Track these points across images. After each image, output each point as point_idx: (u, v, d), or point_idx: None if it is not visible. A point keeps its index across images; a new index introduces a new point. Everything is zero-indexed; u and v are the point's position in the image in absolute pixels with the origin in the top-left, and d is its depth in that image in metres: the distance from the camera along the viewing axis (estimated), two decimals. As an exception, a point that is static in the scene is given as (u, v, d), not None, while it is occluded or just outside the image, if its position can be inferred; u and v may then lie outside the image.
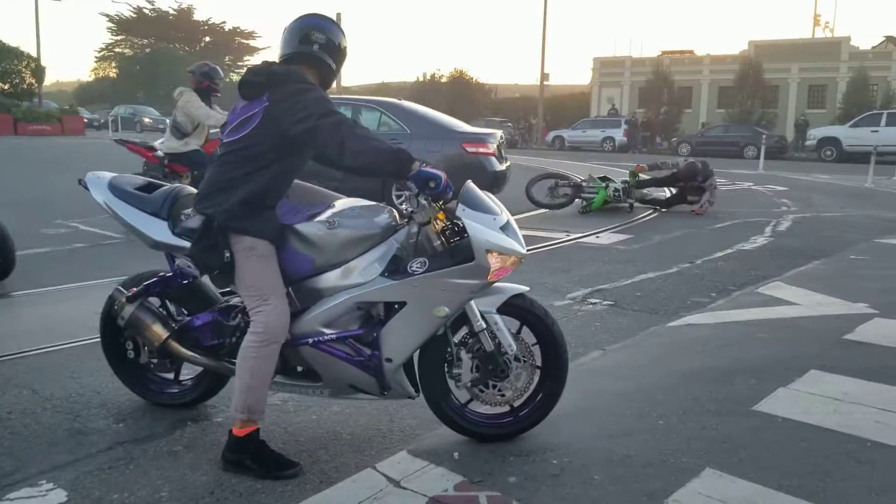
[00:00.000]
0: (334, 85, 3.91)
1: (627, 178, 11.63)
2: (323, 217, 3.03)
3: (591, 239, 8.83)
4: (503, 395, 3.14)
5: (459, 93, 41.96)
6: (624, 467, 2.98)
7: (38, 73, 40.77)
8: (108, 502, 2.69)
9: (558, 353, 3.17)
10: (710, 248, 8.28)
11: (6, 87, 38.35)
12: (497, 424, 3.22)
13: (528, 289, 3.19)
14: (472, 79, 49.19)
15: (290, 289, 3.02)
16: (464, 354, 3.09)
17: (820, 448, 3.16)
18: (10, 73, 38.73)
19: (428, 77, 51.13)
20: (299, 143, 2.89)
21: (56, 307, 5.38)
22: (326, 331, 2.99)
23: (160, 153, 8.66)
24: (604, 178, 11.50)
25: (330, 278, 3.00)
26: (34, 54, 40.55)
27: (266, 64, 3.03)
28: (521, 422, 3.21)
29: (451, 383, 3.15)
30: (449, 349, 3.09)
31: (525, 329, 3.19)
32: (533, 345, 3.18)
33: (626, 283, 6.41)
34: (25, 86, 39.56)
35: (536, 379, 3.20)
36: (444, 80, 49.57)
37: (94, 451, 3.09)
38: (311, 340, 2.99)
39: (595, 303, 5.69)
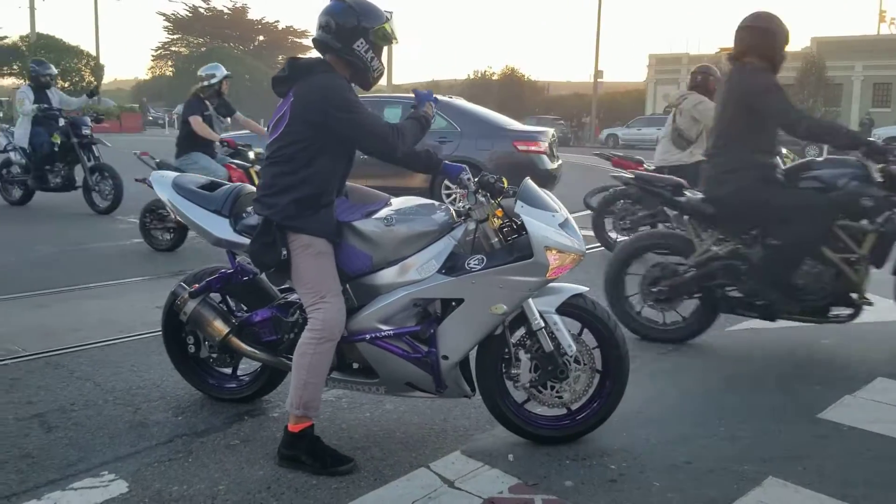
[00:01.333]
0: (384, 82, 3.92)
1: None
2: (381, 214, 3.05)
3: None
4: (561, 397, 3.10)
5: (511, 90, 41.81)
6: (684, 474, 2.91)
7: (98, 71, 41.94)
8: (168, 494, 2.73)
9: (619, 358, 3.11)
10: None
11: (66, 86, 39.52)
12: (554, 426, 3.17)
13: (587, 289, 3.14)
14: (523, 76, 49.00)
15: (347, 286, 3.03)
16: (522, 354, 3.06)
17: (887, 458, 3.04)
18: (71, 72, 39.91)
19: (479, 74, 51.09)
20: (335, 135, 2.90)
21: (117, 301, 5.50)
22: (383, 327, 2.99)
23: (650, 166, 7.41)
24: None
25: (387, 275, 3.01)
26: (93, 53, 41.72)
27: (292, 58, 3.05)
28: (578, 424, 3.16)
29: (508, 384, 3.13)
30: (507, 349, 3.06)
31: (586, 331, 3.14)
32: (594, 348, 3.13)
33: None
34: (85, 83, 40.71)
35: (596, 382, 3.15)
36: (495, 77, 49.47)
37: (153, 443, 3.14)
38: (368, 336, 3.00)
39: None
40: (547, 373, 3.05)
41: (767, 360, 4.33)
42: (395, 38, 3.04)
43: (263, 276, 3.26)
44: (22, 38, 46.77)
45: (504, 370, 3.09)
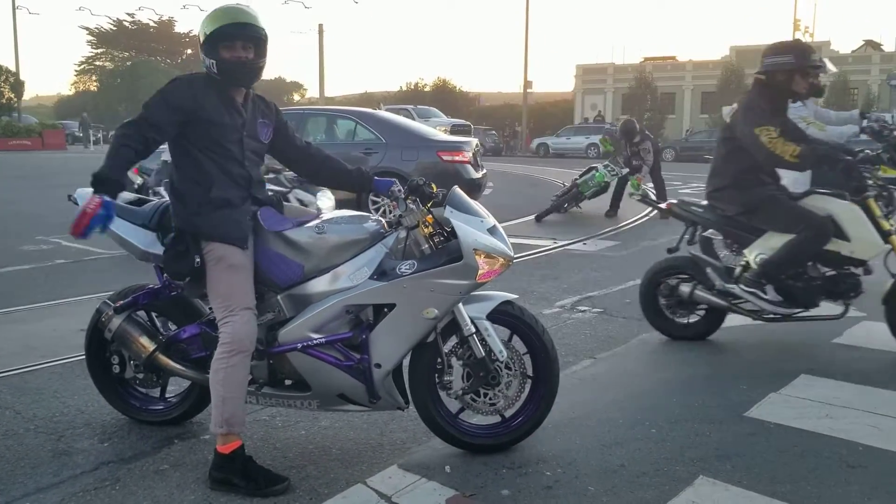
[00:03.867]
0: (314, 94, 3.91)
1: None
2: (312, 224, 3.05)
3: (579, 246, 8.82)
4: (494, 405, 3.12)
5: (443, 101, 42.00)
6: (618, 477, 2.95)
7: (17, 87, 40.52)
8: (94, 524, 2.63)
9: (549, 362, 3.15)
10: (697, 253, 8.28)
11: (-15, 102, 38.11)
12: (489, 434, 3.19)
13: (517, 296, 3.18)
14: (455, 87, 49.30)
15: (278, 297, 3.02)
16: (454, 362, 3.08)
17: (812, 453, 3.15)
18: (-11, 88, 38.47)
19: (412, 86, 51.21)
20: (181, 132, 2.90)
21: (38, 325, 5.30)
22: (315, 335, 2.97)
23: None
24: (589, 169, 11.55)
25: (319, 284, 3.00)
26: (13, 69, 40.30)
27: None
28: (513, 431, 3.18)
29: (442, 393, 3.13)
30: (439, 357, 3.07)
31: (515, 338, 3.17)
32: (524, 354, 3.16)
33: (615, 289, 6.39)
34: (4, 100, 39.31)
35: (528, 388, 3.18)
36: (427, 88, 49.65)
37: (78, 472, 3.03)
38: (299, 345, 2.98)
39: (584, 310, 5.67)
40: (479, 379, 3.07)
41: (696, 362, 4.44)
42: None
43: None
44: (-67, 53, 44.90)
45: (437, 379, 3.10)
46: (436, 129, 27.42)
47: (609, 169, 11.25)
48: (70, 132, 42.28)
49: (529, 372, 3.17)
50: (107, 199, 2.63)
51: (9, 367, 4.27)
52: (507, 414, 3.19)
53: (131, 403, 3.49)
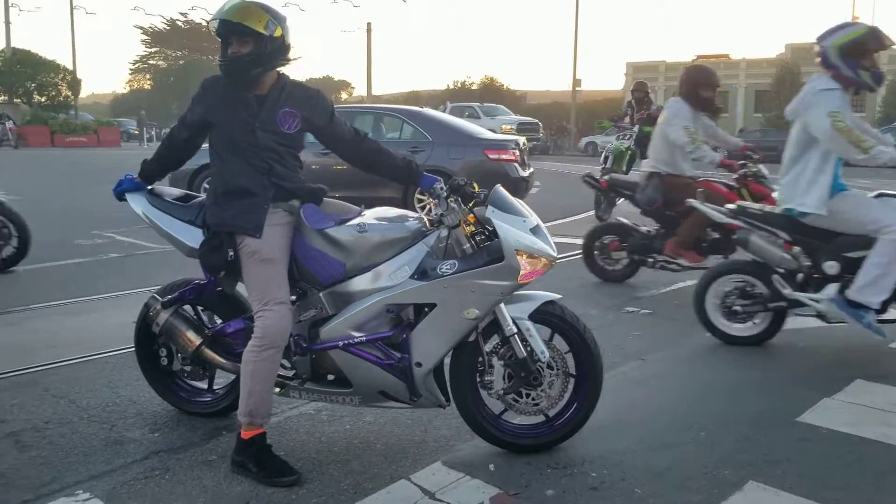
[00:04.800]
0: (362, 92, 3.94)
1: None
2: (353, 222, 3.07)
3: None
4: (537, 405, 3.10)
5: (490, 100, 41.93)
6: (665, 480, 2.91)
7: (74, 85, 41.60)
8: (144, 512, 2.69)
9: (592, 360, 3.11)
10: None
11: (43, 100, 39.17)
12: (533, 434, 3.17)
13: (560, 296, 3.15)
14: (502, 85, 49.19)
15: (321, 294, 3.05)
16: (496, 362, 3.06)
17: (867, 460, 3.06)
18: (47, 86, 39.57)
19: (459, 84, 51.24)
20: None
21: (92, 317, 5.43)
22: (356, 334, 2.99)
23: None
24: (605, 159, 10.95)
25: (360, 282, 3.01)
26: (70, 67, 41.41)
27: None
28: (557, 431, 3.15)
29: (483, 393, 3.12)
30: (481, 357, 3.06)
31: (557, 337, 3.14)
32: (566, 352, 3.13)
33: (664, 291, 6.30)
34: (62, 98, 40.36)
35: (571, 387, 3.15)
36: (474, 87, 49.62)
37: (129, 460, 3.09)
38: (340, 343, 3.00)
39: (632, 311, 5.60)
40: (520, 379, 3.05)
41: (747, 365, 4.34)
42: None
43: (239, 287, 3.23)
44: (-2, 53, 46.40)
45: (478, 379, 3.09)
46: (501, 127, 27.21)
47: (618, 137, 10.86)
48: (125, 129, 43.34)
49: (572, 371, 3.14)
50: (129, 175, 3.34)
51: (64, 358, 4.39)
52: (551, 413, 3.16)
53: (179, 395, 3.56)
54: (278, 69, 3.07)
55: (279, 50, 2.96)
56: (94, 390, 3.86)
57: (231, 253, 2.96)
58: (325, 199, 3.20)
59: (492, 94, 46.35)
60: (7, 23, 39.61)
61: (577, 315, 3.16)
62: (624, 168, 10.60)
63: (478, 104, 31.60)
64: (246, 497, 2.79)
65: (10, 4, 39.77)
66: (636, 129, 10.71)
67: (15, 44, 43.29)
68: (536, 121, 31.51)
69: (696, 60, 45.70)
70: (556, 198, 13.14)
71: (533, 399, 3.09)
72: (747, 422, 3.46)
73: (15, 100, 41.80)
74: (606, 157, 10.84)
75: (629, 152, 10.62)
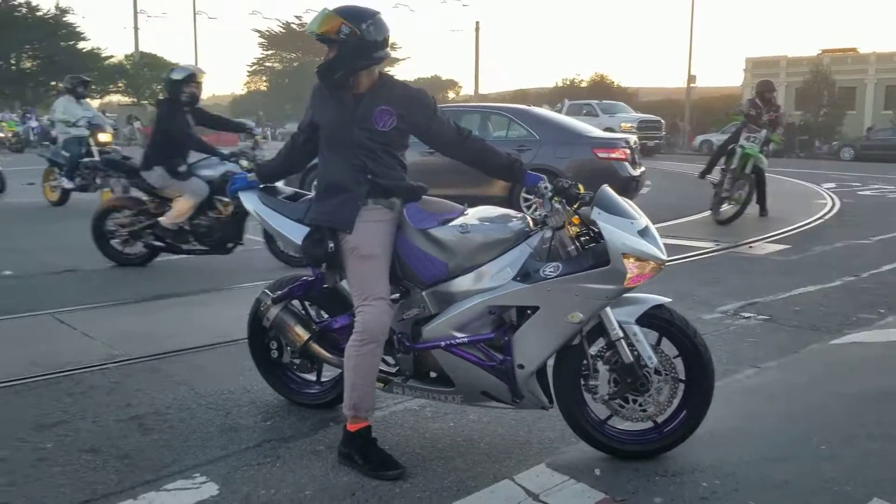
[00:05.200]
0: (469, 91, 3.93)
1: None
2: (456, 222, 3.07)
3: (744, 249, 8.36)
4: (644, 410, 3.02)
5: (599, 97, 41.31)
6: (781, 494, 2.77)
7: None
8: (256, 497, 2.78)
9: (702, 365, 3.00)
10: (878, 260, 7.64)
11: (166, 101, 41.27)
12: (640, 440, 3.08)
13: (669, 300, 3.04)
14: (613, 83, 48.30)
15: (423, 293, 3.07)
16: (601, 366, 2.99)
17: None
18: (171, 88, 41.66)
19: (567, 82, 50.66)
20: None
21: (210, 308, 5.69)
22: (458, 334, 2.99)
23: None
24: (731, 153, 10.30)
25: (462, 283, 3.01)
26: (193, 69, 43.44)
27: None
28: (665, 438, 3.06)
29: (587, 397, 3.06)
30: (585, 360, 3.01)
31: (665, 341, 3.04)
32: (674, 357, 3.03)
33: (783, 296, 6.01)
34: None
35: (680, 393, 3.05)
36: (583, 84, 48.95)
37: (243, 447, 3.21)
38: (442, 344, 3.01)
39: (748, 317, 5.37)
40: (627, 385, 2.97)
41: (872, 376, 4.08)
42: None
43: (344, 283, 3.29)
44: (126, 56, 49.36)
45: (582, 382, 3.03)
46: (620, 125, 26.64)
47: (748, 138, 10.12)
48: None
49: (681, 376, 3.03)
50: (242, 174, 3.58)
51: (185, 346, 4.61)
52: (659, 419, 3.07)
53: (289, 386, 3.67)
54: (380, 69, 3.13)
55: (358, 51, 3.01)
56: (212, 378, 4.04)
57: (331, 245, 3.04)
58: (428, 197, 3.22)
59: (602, 91, 45.55)
60: (136, 28, 42.13)
61: (686, 318, 3.05)
62: (748, 170, 10.05)
63: (596, 102, 30.80)
64: (352, 488, 2.84)
65: (138, 11, 42.14)
66: (763, 132, 10.10)
67: (142, 48, 45.92)
68: (658, 118, 30.34)
69: (820, 55, 43.51)
70: (668, 198, 12.79)
71: (640, 405, 3.01)
72: (872, 435, 3.26)
73: (142, 101, 44.32)
74: (730, 156, 10.31)
75: (753, 155, 10.03)
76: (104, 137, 11.21)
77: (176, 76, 6.85)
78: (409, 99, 3.11)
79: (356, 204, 3.05)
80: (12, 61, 48.04)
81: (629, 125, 27.48)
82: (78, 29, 49.44)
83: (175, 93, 6.79)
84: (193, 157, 7.00)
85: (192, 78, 6.87)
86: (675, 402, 3.04)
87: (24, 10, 46.93)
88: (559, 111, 26.34)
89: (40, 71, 48.87)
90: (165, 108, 6.84)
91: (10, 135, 28.50)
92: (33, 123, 30.79)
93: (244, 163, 6.66)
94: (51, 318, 5.26)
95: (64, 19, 48.52)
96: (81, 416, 3.54)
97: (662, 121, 29.84)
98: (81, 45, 49.53)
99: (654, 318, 3.00)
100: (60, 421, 3.47)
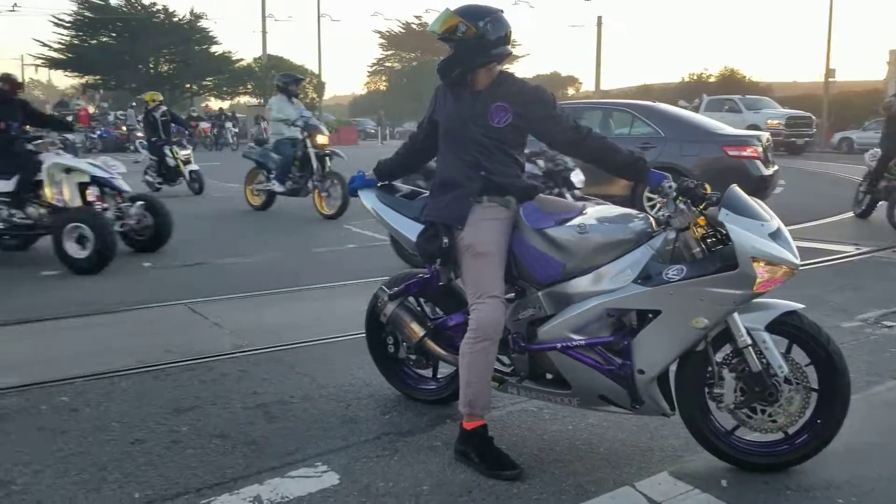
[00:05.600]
0: (590, 88, 3.86)
1: None
2: (574, 222, 3.01)
3: (887, 253, 7.81)
4: (775, 421, 2.87)
5: (729, 93, 39.73)
6: (927, 518, 2.57)
7: (320, 88, 45.13)
8: (375, 489, 2.84)
9: (837, 375, 2.82)
10: None
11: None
12: (769, 452, 2.93)
13: (802, 306, 2.87)
14: (744, 77, 46.30)
15: (539, 294, 3.04)
16: (726, 374, 2.86)
17: None
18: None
19: (694, 77, 49.00)
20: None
21: (332, 302, 5.85)
22: (575, 336, 2.94)
23: None
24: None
25: (580, 284, 2.96)
26: (316, 71, 44.97)
27: None
28: (796, 451, 2.90)
29: (711, 405, 2.94)
30: (710, 368, 2.89)
31: (795, 348, 2.89)
32: (806, 365, 2.87)
33: (929, 304, 5.59)
34: (308, 100, 43.97)
35: (813, 403, 2.88)
36: (711, 79, 47.19)
37: (362, 439, 3.28)
38: (558, 345, 2.97)
39: (892, 326, 5.02)
40: (754, 394, 2.83)
41: None
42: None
43: (458, 281, 3.30)
44: (255, 59, 51.56)
45: (707, 390, 2.91)
46: (766, 121, 25.32)
47: None
48: (362, 129, 46.35)
49: (814, 385, 2.86)
50: (361, 172, 3.60)
51: (308, 339, 4.77)
52: (790, 431, 2.91)
53: (406, 381, 3.73)
54: (501, 66, 3.14)
55: (476, 49, 3.02)
56: (333, 370, 4.15)
57: (445, 241, 3.06)
58: (546, 196, 3.18)
59: (732, 86, 43.73)
60: (264, 32, 43.78)
61: (818, 325, 2.88)
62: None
63: (739, 97, 29.14)
64: (468, 486, 2.85)
65: (266, 15, 43.89)
66: None
67: (269, 50, 47.78)
68: (809, 114, 28.44)
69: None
70: (803, 199, 12.12)
71: (769, 415, 2.86)
72: None
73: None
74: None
75: None
76: (322, 139, 10.65)
77: None
78: (526, 96, 3.08)
79: (469, 200, 3.07)
80: (150, 65, 51.17)
81: (776, 122, 25.95)
82: (211, 33, 52.13)
83: None
84: None
85: None
86: (808, 412, 2.88)
87: (161, 17, 49.87)
88: (696, 108, 25.25)
89: (176, 74, 51.86)
90: None
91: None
92: (169, 123, 32.66)
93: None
94: (185, 308, 5.56)
95: (198, 24, 51.26)
96: (212, 401, 3.71)
97: (813, 117, 27.98)
98: (214, 48, 52.21)
99: (784, 325, 2.85)
100: (193, 406, 3.65)
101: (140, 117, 19.69)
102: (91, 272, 6.71)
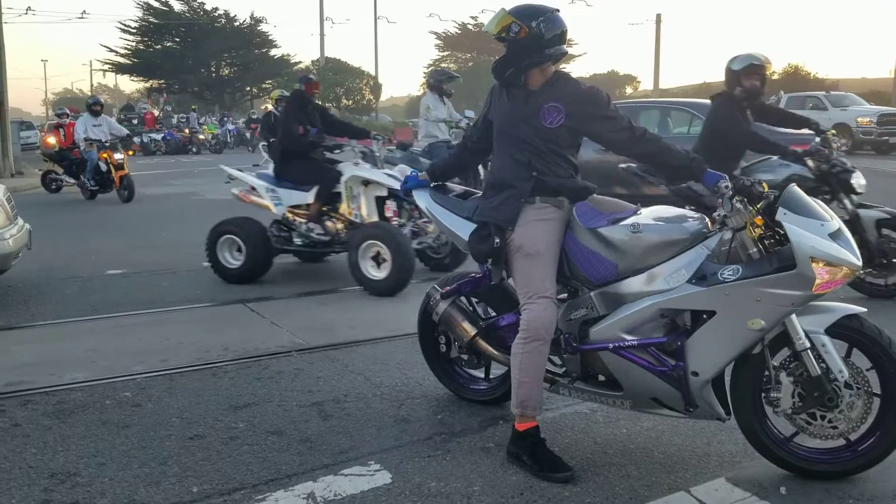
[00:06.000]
0: (648, 86, 3.80)
1: None
2: (628, 221, 2.98)
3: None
4: (835, 427, 2.79)
5: (794, 89, 38.60)
6: None
7: (376, 89, 45.48)
8: (427, 489, 2.85)
9: None
10: None
11: (349, 104, 43.31)
12: (829, 460, 2.86)
13: (864, 310, 2.79)
14: (808, 74, 45.05)
15: (591, 294, 3.02)
16: (784, 378, 2.80)
17: None
18: (353, 91, 43.69)
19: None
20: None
21: (387, 302, 5.88)
22: (627, 337, 2.91)
23: None
24: None
25: (633, 284, 2.93)
26: (373, 73, 45.35)
27: None
28: (859, 458, 2.82)
29: (768, 410, 2.87)
30: (767, 371, 2.82)
31: (856, 352, 2.81)
32: (867, 369, 2.78)
33: None
34: (365, 102, 44.35)
35: (875, 408, 2.80)
36: (775, 76, 46.05)
37: (415, 438, 3.31)
38: (610, 346, 2.94)
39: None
40: (813, 399, 2.76)
41: None
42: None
43: (510, 281, 3.29)
44: (313, 62, 52.26)
45: (763, 394, 2.85)
46: (856, 119, 24.31)
47: None
48: (416, 130, 46.58)
49: (876, 390, 2.78)
50: (414, 173, 3.70)
51: (362, 338, 4.83)
52: (852, 437, 2.83)
53: (457, 381, 3.75)
54: (556, 66, 3.13)
55: (529, 49, 3.02)
56: (387, 370, 4.19)
57: (497, 241, 3.07)
58: (600, 196, 3.15)
59: (796, 83, 42.60)
60: (321, 35, 44.41)
61: (879, 328, 2.79)
62: None
63: (823, 93, 27.94)
64: (521, 487, 2.84)
65: (324, 18, 44.48)
66: None
67: (327, 53, 48.42)
68: None
69: None
70: (871, 199, 11.69)
71: (829, 421, 2.78)
72: None
73: (326, 104, 46.78)
74: None
75: None
76: None
77: (735, 66, 5.51)
78: (580, 96, 3.07)
79: (519, 201, 3.07)
80: (212, 68, 52.37)
81: (867, 119, 24.83)
82: (270, 37, 53.15)
83: (732, 86, 5.57)
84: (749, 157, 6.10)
85: (753, 69, 5.48)
86: (870, 418, 2.81)
87: (223, 21, 50.99)
88: (775, 104, 24.38)
89: (236, 77, 52.96)
90: (718, 103, 5.69)
91: (209, 137, 31.04)
92: (230, 126, 33.40)
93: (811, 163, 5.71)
94: (243, 307, 5.67)
95: (258, 28, 52.24)
96: (268, 399, 3.78)
97: None
98: (273, 52, 53.18)
99: (844, 329, 2.78)
100: (250, 403, 3.73)
101: (260, 116, 19.07)
102: (388, 294, 5.99)
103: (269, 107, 13.00)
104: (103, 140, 13.17)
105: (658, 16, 42.96)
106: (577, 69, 62.73)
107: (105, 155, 13.04)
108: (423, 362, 3.83)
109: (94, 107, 13.56)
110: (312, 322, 5.27)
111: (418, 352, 3.84)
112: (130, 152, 16.72)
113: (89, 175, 13.27)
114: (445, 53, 71.17)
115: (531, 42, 3.01)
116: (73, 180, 14.01)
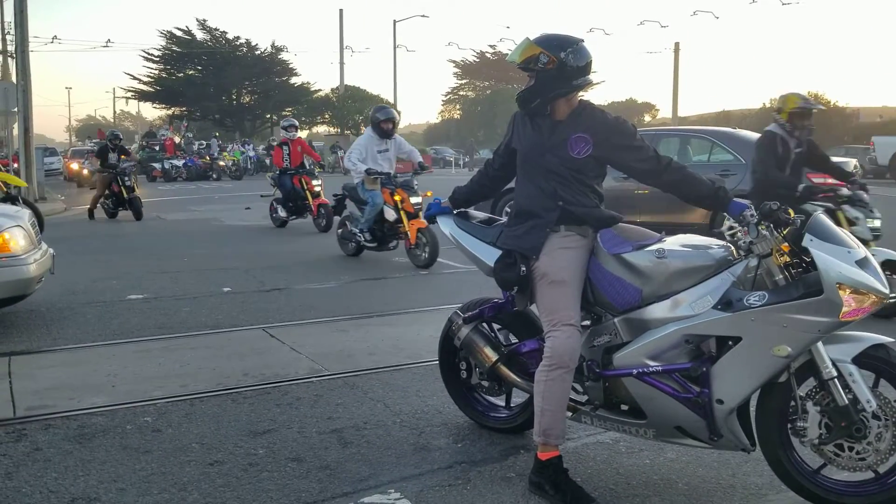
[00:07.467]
0: (666, 115, 3.80)
1: None
2: (652, 247, 2.97)
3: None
4: (864, 459, 2.73)
5: (814, 119, 38.45)
6: None
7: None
8: (446, 518, 2.81)
9: None
10: None
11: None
12: (857, 492, 2.79)
13: (892, 340, 2.76)
14: (829, 102, 44.92)
15: (615, 321, 3.00)
16: (810, 407, 2.75)
17: None
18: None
19: (775, 102, 47.81)
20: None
21: (405, 329, 5.88)
22: (652, 363, 2.89)
23: None
24: None
25: (657, 310, 2.91)
26: (392, 100, 45.71)
27: None
28: (888, 491, 2.75)
29: (794, 440, 2.83)
30: (793, 401, 2.78)
31: (884, 382, 2.76)
32: (895, 400, 2.73)
33: None
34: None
35: None
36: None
37: (435, 467, 3.28)
38: (635, 371, 2.92)
39: None
40: (840, 430, 2.71)
41: None
42: None
43: (533, 307, 3.28)
44: (332, 90, 52.88)
45: (789, 424, 2.80)
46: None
47: None
48: (441, 157, 46.78)
49: None
50: (437, 199, 3.66)
51: (382, 365, 4.81)
52: (881, 469, 2.77)
53: (477, 409, 3.73)
54: (580, 95, 3.13)
55: (555, 79, 3.03)
56: (406, 397, 4.17)
57: (523, 269, 3.06)
58: (624, 224, 3.14)
59: (817, 112, 42.45)
60: (341, 63, 45.00)
61: None
62: None
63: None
64: (541, 518, 2.80)
65: (344, 46, 45.03)
66: None
67: (347, 81, 48.94)
68: None
69: None
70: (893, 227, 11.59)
71: (857, 453, 2.73)
72: None
73: (345, 131, 47.17)
74: None
75: None
76: None
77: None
78: (607, 126, 3.07)
79: (545, 231, 3.07)
80: (233, 96, 53.08)
81: None
82: (291, 65, 53.85)
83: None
84: None
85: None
86: (900, 450, 2.74)
87: (244, 50, 51.76)
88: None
89: (256, 105, 53.63)
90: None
91: (230, 163, 31.37)
92: (250, 153, 33.77)
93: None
94: (263, 333, 5.69)
95: (278, 57, 52.97)
96: (288, 425, 3.77)
97: None
98: (293, 80, 53.81)
99: (871, 358, 2.74)
100: (269, 429, 3.72)
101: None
102: None
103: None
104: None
105: (676, 44, 43.19)
106: (595, 97, 62.66)
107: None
108: (443, 390, 3.81)
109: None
110: (332, 348, 5.27)
111: (438, 379, 3.83)
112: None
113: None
114: (464, 81, 71.77)
115: (559, 73, 3.02)
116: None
